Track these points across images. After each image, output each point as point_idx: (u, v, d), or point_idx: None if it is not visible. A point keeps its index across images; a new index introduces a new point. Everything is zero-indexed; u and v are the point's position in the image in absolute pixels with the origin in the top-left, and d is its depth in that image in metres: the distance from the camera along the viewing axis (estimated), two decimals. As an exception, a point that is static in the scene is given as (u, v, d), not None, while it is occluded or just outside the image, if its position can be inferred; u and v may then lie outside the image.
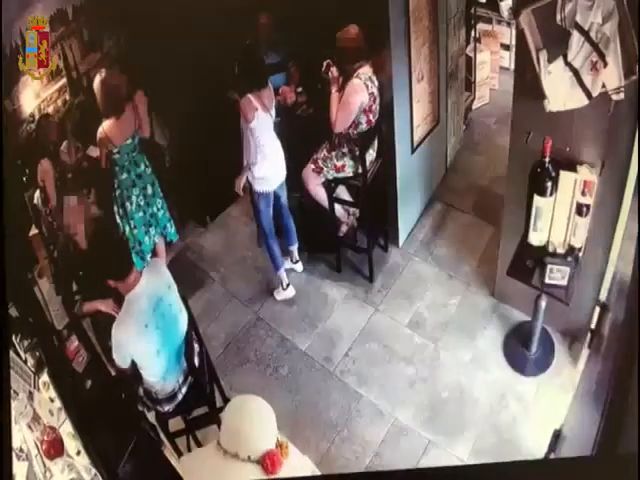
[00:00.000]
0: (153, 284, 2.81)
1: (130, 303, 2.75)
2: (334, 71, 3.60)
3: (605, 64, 2.66)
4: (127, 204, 3.67)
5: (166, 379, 2.95)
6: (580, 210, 3.01)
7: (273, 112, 3.63)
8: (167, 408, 3.02)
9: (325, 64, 3.59)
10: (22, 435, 2.59)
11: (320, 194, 3.93)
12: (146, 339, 2.77)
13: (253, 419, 2.00)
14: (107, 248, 2.89)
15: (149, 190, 3.74)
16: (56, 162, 3.39)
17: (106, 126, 3.48)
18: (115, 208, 3.68)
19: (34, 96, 3.25)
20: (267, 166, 3.69)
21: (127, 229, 3.70)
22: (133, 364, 2.82)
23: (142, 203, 3.71)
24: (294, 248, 4.13)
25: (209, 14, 3.63)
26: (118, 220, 3.70)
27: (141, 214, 3.72)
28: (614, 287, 3.07)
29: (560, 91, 2.77)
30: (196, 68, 3.84)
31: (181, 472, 2.18)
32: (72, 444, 2.65)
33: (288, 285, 4.05)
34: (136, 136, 3.60)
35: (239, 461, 1.96)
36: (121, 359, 2.81)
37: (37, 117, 3.33)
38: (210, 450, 2.02)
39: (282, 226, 4.03)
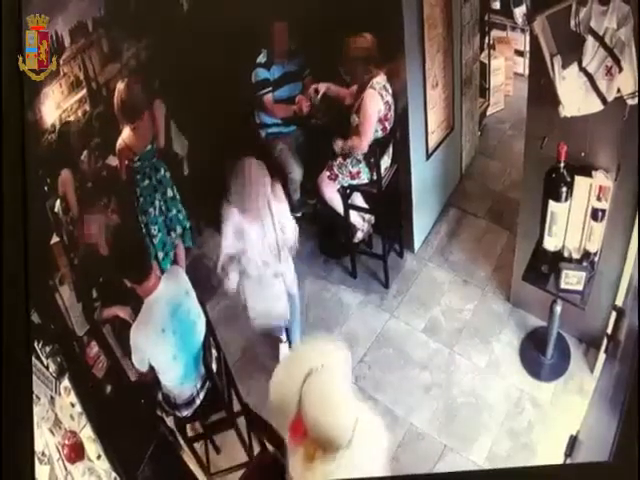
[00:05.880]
0: (171, 290, 2.85)
1: (148, 307, 2.80)
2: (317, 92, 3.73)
3: (620, 69, 2.66)
4: (150, 210, 3.70)
5: (184, 384, 2.98)
6: (595, 215, 3.01)
7: None
8: (185, 413, 3.05)
9: (312, 88, 3.74)
10: (44, 439, 2.62)
11: (335, 201, 3.95)
12: (163, 344, 2.81)
13: (324, 404, 1.80)
14: (127, 251, 2.96)
15: (169, 193, 3.77)
16: (76, 171, 3.44)
17: (125, 136, 3.53)
18: (138, 216, 3.73)
19: (55, 107, 3.30)
20: None
21: (150, 236, 3.74)
22: (152, 368, 2.86)
23: (163, 208, 3.74)
24: None
25: (225, 24, 3.66)
26: (143, 228, 3.74)
27: (162, 218, 3.76)
28: (630, 292, 3.05)
29: (575, 96, 2.78)
30: (213, 78, 3.87)
31: None
32: (92, 448, 2.70)
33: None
34: (154, 142, 3.66)
35: (342, 450, 1.78)
36: (139, 362, 2.85)
37: (58, 127, 3.39)
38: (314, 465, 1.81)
39: None
